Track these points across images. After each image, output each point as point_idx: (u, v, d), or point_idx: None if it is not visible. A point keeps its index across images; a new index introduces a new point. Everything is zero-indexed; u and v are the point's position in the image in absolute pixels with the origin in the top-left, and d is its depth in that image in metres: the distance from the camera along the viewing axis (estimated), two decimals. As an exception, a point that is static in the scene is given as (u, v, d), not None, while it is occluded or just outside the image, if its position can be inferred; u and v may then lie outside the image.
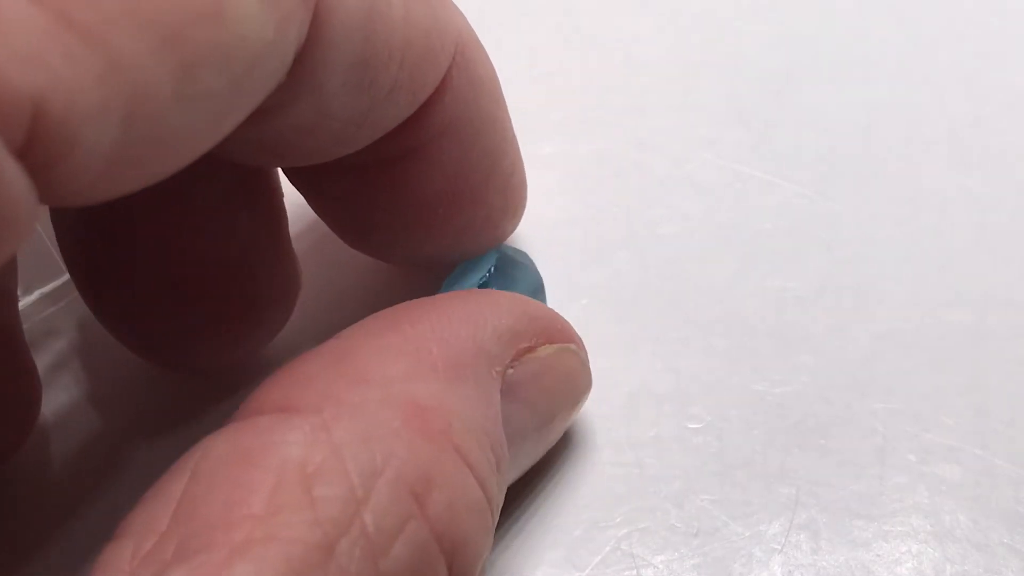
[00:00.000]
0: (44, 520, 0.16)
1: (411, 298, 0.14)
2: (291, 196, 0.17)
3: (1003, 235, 0.20)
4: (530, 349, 0.14)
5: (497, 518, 0.13)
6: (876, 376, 0.18)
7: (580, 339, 0.16)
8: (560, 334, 0.15)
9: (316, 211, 0.17)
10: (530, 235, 0.21)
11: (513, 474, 0.15)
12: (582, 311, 0.19)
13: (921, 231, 0.21)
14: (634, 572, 0.16)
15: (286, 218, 0.17)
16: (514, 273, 0.18)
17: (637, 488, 0.17)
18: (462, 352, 0.13)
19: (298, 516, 0.10)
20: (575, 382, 0.16)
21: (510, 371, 0.14)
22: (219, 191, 0.16)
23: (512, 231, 0.19)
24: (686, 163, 0.22)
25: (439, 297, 0.14)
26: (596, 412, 0.18)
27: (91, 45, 0.08)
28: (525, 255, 0.19)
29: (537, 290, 0.19)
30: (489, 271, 0.18)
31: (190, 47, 0.09)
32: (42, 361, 0.18)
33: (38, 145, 0.08)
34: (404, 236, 0.17)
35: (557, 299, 0.19)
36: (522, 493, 0.17)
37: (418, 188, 0.16)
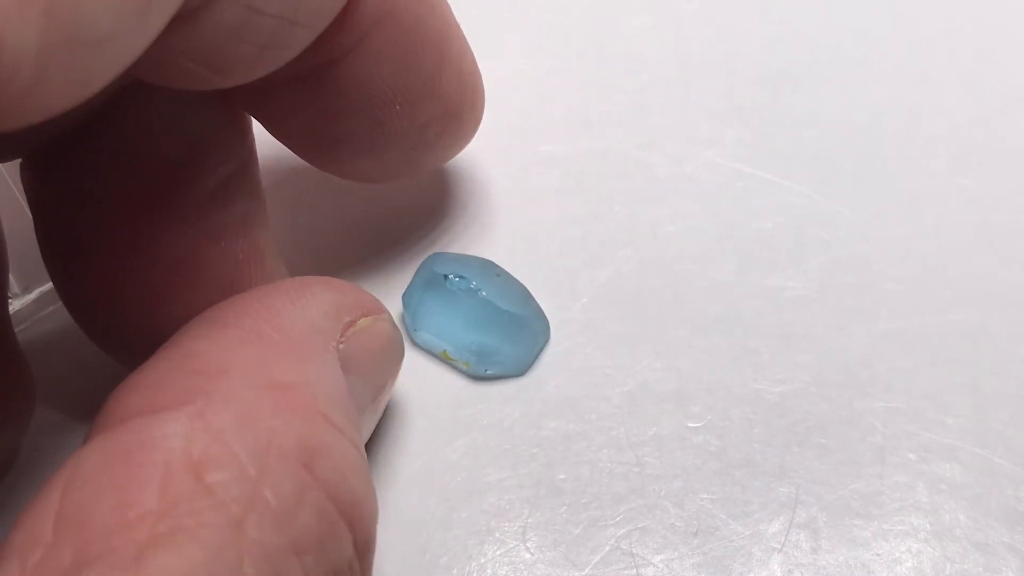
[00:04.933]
0: None
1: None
2: (272, 195, 0.17)
3: (1003, 235, 0.20)
4: (352, 323, 0.14)
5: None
6: (876, 376, 0.18)
7: (387, 310, 0.16)
8: (373, 305, 0.15)
9: (280, 139, 0.17)
10: (530, 235, 0.21)
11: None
12: (582, 311, 0.19)
13: (921, 231, 0.21)
14: (634, 571, 0.16)
15: (268, 224, 0.17)
16: (501, 324, 0.18)
17: (637, 487, 0.17)
18: (300, 332, 0.13)
19: (198, 503, 0.10)
20: (395, 348, 0.16)
21: (342, 346, 0.14)
22: (197, 195, 0.16)
23: (475, 130, 0.18)
24: (686, 162, 0.22)
25: (255, 291, 0.14)
26: (596, 411, 0.18)
27: None
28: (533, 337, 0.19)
29: (491, 354, 0.18)
30: (485, 291, 0.18)
31: None
32: (42, 361, 0.18)
33: None
34: (366, 142, 0.16)
35: (557, 298, 0.19)
36: (522, 492, 0.17)
37: (368, 84, 0.16)
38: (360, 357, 0.14)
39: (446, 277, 0.18)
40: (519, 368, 0.18)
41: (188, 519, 0.10)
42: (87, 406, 0.18)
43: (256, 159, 0.17)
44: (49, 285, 0.19)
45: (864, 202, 0.21)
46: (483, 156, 0.22)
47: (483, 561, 0.16)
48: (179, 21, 0.11)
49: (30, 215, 0.17)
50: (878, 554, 0.16)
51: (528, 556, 0.16)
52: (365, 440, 0.16)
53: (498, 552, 0.16)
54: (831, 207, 0.21)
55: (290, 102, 0.16)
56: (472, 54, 0.18)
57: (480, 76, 0.18)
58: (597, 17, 0.26)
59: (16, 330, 0.18)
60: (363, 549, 0.12)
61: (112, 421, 0.11)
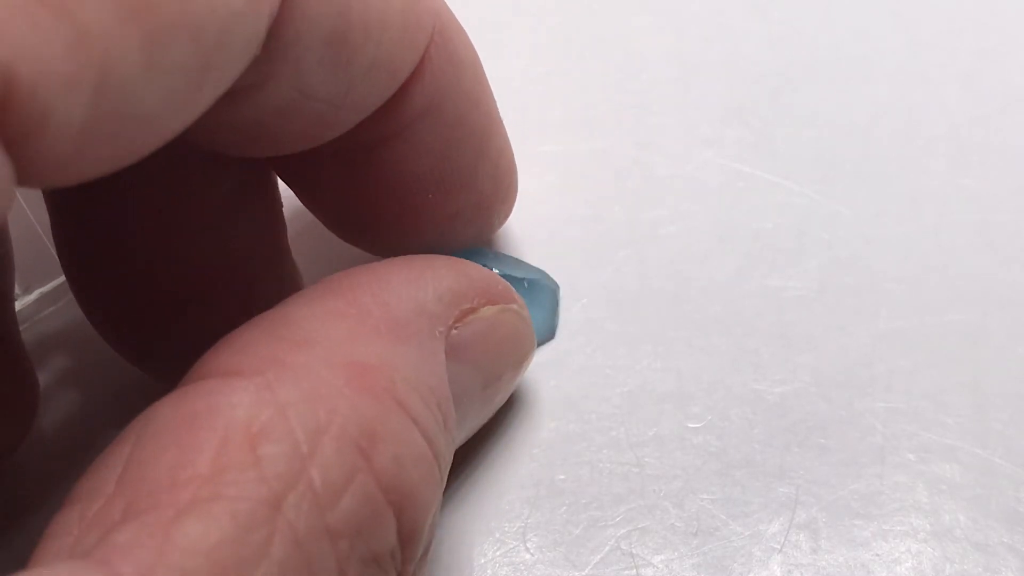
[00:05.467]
0: (44, 519, 0.16)
1: None
2: (289, 200, 0.17)
3: (1003, 235, 0.20)
4: (472, 310, 0.14)
5: (446, 475, 0.13)
6: (876, 376, 0.18)
7: (521, 300, 0.16)
8: (502, 295, 0.15)
9: (308, 206, 0.17)
10: (530, 235, 0.21)
11: (462, 435, 0.15)
12: (582, 311, 0.19)
13: (921, 231, 0.21)
14: (633, 571, 0.16)
15: (285, 228, 0.17)
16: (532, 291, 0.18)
17: (637, 487, 0.17)
18: (404, 313, 0.13)
19: (244, 474, 0.10)
20: (519, 341, 0.16)
21: (454, 331, 0.14)
22: (216, 199, 0.16)
23: (504, 219, 0.19)
24: (686, 162, 0.22)
25: (378, 263, 0.14)
26: (596, 411, 0.18)
27: (58, 15, 0.08)
28: (541, 272, 0.19)
29: (552, 308, 0.19)
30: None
31: (158, 17, 0.09)
32: (42, 361, 0.18)
33: (10, 117, 0.08)
34: (395, 225, 0.17)
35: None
36: (522, 492, 0.17)
37: (405, 172, 0.16)
38: (474, 346, 0.14)
39: None
40: (549, 331, 0.18)
41: (230, 488, 0.10)
42: (89, 405, 0.18)
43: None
44: (50, 286, 0.19)
45: (864, 202, 0.21)
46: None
47: (483, 561, 0.16)
48: (228, 99, 0.11)
49: (30, 215, 0.17)
50: (878, 554, 0.16)
51: (528, 556, 0.16)
52: (472, 430, 0.16)
53: (498, 552, 0.16)
54: (831, 207, 0.21)
55: (324, 177, 0.16)
56: (511, 150, 0.18)
57: (515, 171, 0.18)
58: (597, 17, 0.26)
59: (20, 328, 0.18)
60: (408, 536, 0.12)
61: (194, 377, 0.12)
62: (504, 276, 0.18)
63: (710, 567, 0.16)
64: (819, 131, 0.23)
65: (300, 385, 0.11)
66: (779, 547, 0.16)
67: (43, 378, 0.17)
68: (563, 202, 0.21)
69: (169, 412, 0.11)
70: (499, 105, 0.20)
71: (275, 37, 0.11)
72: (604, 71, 0.25)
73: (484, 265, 0.18)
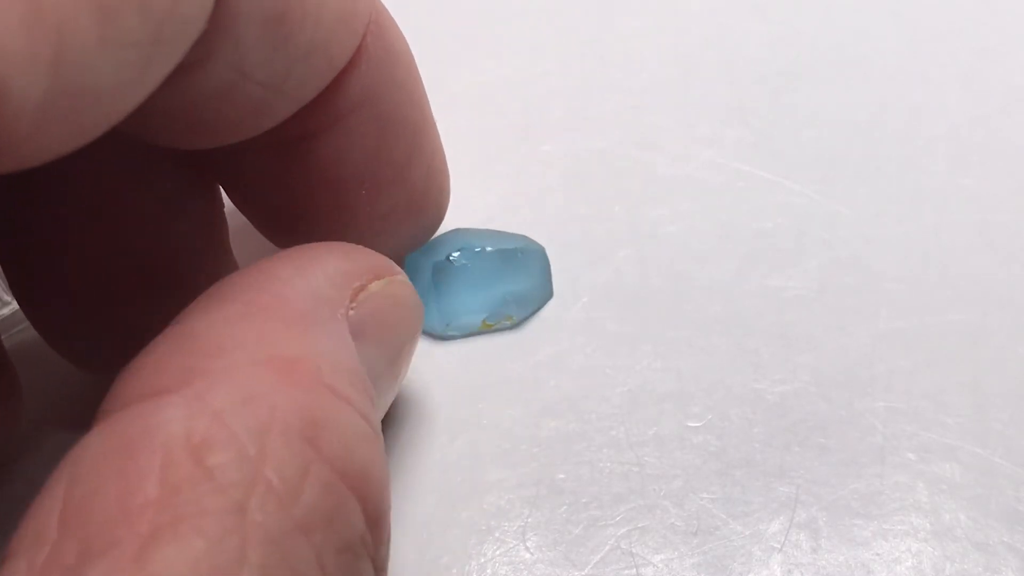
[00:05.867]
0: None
1: None
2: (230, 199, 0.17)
3: (1003, 235, 0.20)
4: (363, 288, 0.14)
5: (383, 448, 0.13)
6: (876, 375, 0.18)
7: (402, 271, 0.16)
8: (385, 268, 0.15)
9: (238, 205, 0.17)
10: (530, 234, 0.21)
11: (378, 415, 0.15)
12: (582, 310, 0.19)
13: (921, 231, 0.21)
14: (633, 571, 0.16)
15: (226, 226, 0.17)
16: (507, 264, 0.18)
17: (637, 487, 0.17)
18: (303, 303, 0.13)
19: (199, 489, 0.10)
20: (411, 310, 0.15)
21: (351, 312, 0.14)
22: (155, 196, 0.16)
23: (437, 225, 0.18)
24: (687, 162, 0.22)
25: (261, 262, 0.14)
26: (596, 411, 0.18)
27: None
28: (544, 269, 0.19)
29: (524, 299, 0.19)
30: (484, 248, 0.18)
31: None
32: (29, 365, 0.18)
33: None
34: (326, 224, 0.16)
35: (557, 298, 0.19)
36: (522, 492, 0.17)
37: (338, 166, 0.16)
38: (372, 322, 0.14)
39: (448, 259, 0.18)
40: (548, 293, 0.19)
41: (189, 507, 0.10)
42: (75, 412, 0.18)
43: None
44: None
45: (864, 202, 0.21)
46: (483, 156, 0.22)
47: (483, 561, 0.16)
48: (171, 77, 0.11)
49: None
50: (878, 554, 0.16)
51: (528, 556, 0.16)
52: (385, 406, 0.15)
53: (498, 552, 0.16)
54: (831, 207, 0.21)
55: (257, 171, 0.16)
56: (443, 153, 0.18)
57: (448, 176, 0.18)
58: (597, 17, 0.26)
59: (4, 336, 0.18)
60: (374, 520, 0.12)
61: (113, 407, 0.11)
62: (497, 249, 0.18)
63: (710, 566, 0.16)
64: (819, 131, 0.23)
65: (231, 389, 0.11)
66: (779, 546, 0.16)
67: (29, 385, 0.16)
68: (563, 201, 0.21)
69: (99, 445, 0.11)
70: (499, 105, 0.20)
71: (217, 12, 0.11)
72: (604, 71, 0.25)
73: (468, 243, 0.18)
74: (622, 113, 0.24)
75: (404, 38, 0.16)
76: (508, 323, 0.19)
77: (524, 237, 0.19)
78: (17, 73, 0.08)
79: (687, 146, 0.23)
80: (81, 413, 0.18)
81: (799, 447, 0.17)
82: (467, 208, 0.21)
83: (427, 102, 0.17)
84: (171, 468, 0.10)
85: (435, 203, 0.18)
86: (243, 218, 0.18)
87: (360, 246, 0.15)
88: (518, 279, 0.18)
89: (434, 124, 0.17)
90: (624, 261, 0.20)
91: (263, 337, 0.12)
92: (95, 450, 0.11)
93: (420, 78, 0.17)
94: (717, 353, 0.19)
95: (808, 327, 0.19)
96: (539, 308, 0.19)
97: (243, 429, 0.11)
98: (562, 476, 0.17)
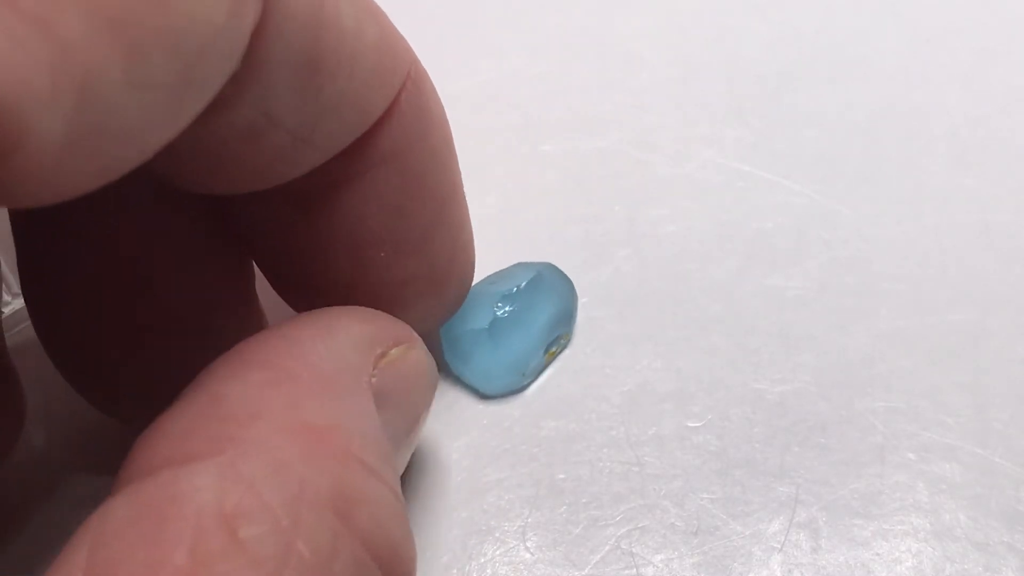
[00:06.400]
0: (32, 531, 0.16)
1: None
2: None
3: (1003, 235, 0.20)
4: (384, 354, 0.14)
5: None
6: (876, 375, 0.18)
7: (419, 336, 0.15)
8: (405, 334, 0.15)
9: (255, 259, 0.17)
10: (530, 235, 0.21)
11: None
12: (582, 310, 0.19)
13: (921, 231, 0.21)
14: (634, 571, 0.16)
15: (253, 275, 0.17)
16: (544, 293, 0.18)
17: (637, 487, 0.17)
18: (330, 370, 0.13)
19: (231, 562, 0.10)
20: (428, 378, 0.15)
21: (374, 379, 0.13)
22: (182, 241, 0.15)
23: (456, 307, 0.18)
24: (687, 162, 0.22)
25: (281, 326, 0.14)
26: (596, 411, 0.18)
27: (39, 29, 0.08)
28: (566, 279, 0.19)
29: (566, 317, 0.19)
30: (518, 286, 0.18)
31: (139, 30, 0.09)
32: (34, 364, 0.18)
33: None
34: (343, 287, 0.16)
35: (557, 298, 0.19)
36: (522, 492, 0.17)
37: (358, 222, 0.15)
38: (394, 390, 0.14)
39: (495, 316, 0.18)
40: (575, 297, 0.19)
41: None
42: (80, 412, 0.18)
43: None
44: None
45: (864, 202, 0.21)
46: (483, 156, 0.22)
47: (483, 561, 0.16)
48: (204, 122, 0.11)
49: None
50: (878, 554, 0.16)
51: (528, 556, 0.16)
52: (399, 475, 0.15)
53: (498, 552, 0.16)
54: (831, 207, 0.21)
55: (275, 222, 0.16)
56: (471, 232, 0.17)
57: (474, 257, 0.18)
58: (597, 17, 0.26)
59: (9, 334, 0.17)
60: None
61: (140, 471, 0.11)
62: (526, 282, 0.18)
63: (710, 566, 0.16)
64: (819, 131, 0.23)
65: (262, 458, 0.11)
66: (779, 546, 0.16)
67: (34, 382, 0.16)
68: (563, 201, 0.21)
69: (125, 510, 0.10)
70: (499, 105, 0.20)
71: (249, 54, 0.11)
72: (604, 71, 0.25)
73: (494, 292, 0.18)
74: (622, 113, 0.24)
75: (442, 106, 0.16)
76: (564, 342, 0.19)
77: (522, 264, 0.19)
78: (41, 112, 0.08)
79: (687, 146, 0.23)
80: (85, 415, 0.18)
81: (799, 447, 0.17)
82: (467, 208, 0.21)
83: (459, 175, 0.16)
84: (203, 537, 0.10)
85: (459, 280, 0.17)
86: None
87: (379, 311, 0.15)
88: (553, 299, 0.18)
89: (464, 202, 0.17)
90: (624, 261, 0.20)
91: (293, 405, 0.12)
92: (121, 514, 0.10)
93: (454, 153, 0.16)
94: (717, 353, 0.19)
95: (808, 327, 0.19)
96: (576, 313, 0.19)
97: (276, 500, 0.10)
98: (562, 476, 0.17)
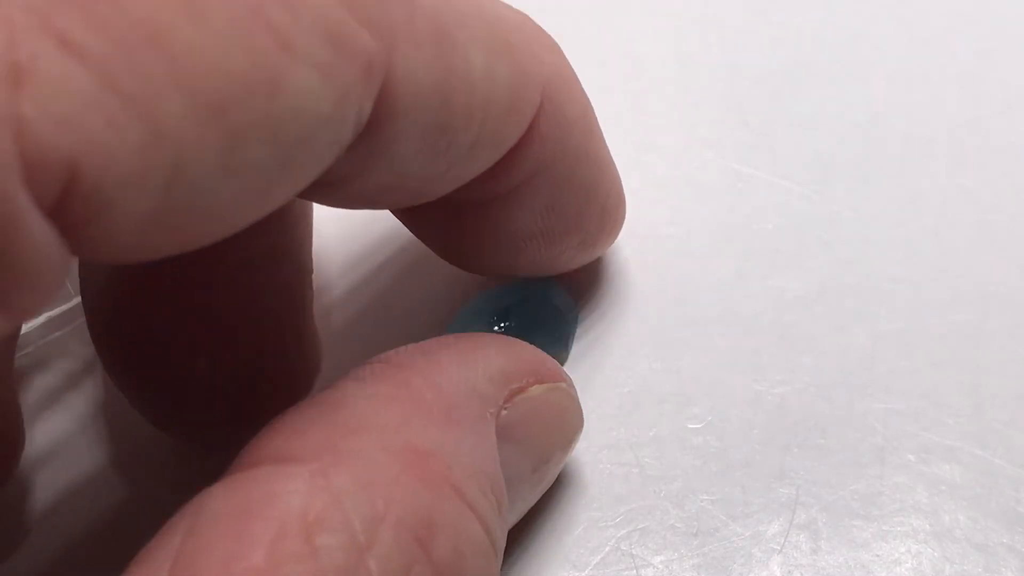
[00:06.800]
0: (30, 553, 0.16)
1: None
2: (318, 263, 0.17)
3: (1003, 235, 0.20)
4: (521, 389, 0.14)
5: (500, 561, 0.13)
6: (876, 376, 0.18)
7: (569, 378, 0.15)
8: (550, 373, 0.15)
9: (410, 228, 0.17)
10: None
11: (512, 518, 0.15)
12: (582, 310, 0.19)
13: (921, 231, 0.21)
14: (633, 572, 0.16)
15: (311, 295, 0.17)
16: (540, 312, 0.18)
17: (637, 488, 0.17)
18: (456, 396, 0.13)
19: (300, 566, 0.10)
20: (568, 420, 0.15)
21: (504, 412, 0.13)
22: (242, 257, 0.15)
23: (607, 247, 0.19)
24: (686, 163, 0.22)
25: (427, 343, 0.14)
26: (596, 412, 0.18)
27: (135, 112, 0.08)
28: (566, 299, 0.19)
29: (561, 338, 0.19)
30: (515, 303, 0.18)
31: (239, 119, 0.09)
32: (41, 386, 0.18)
33: (71, 206, 0.08)
34: (498, 260, 0.17)
35: (557, 299, 0.19)
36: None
37: (512, 224, 0.15)
38: (523, 426, 0.14)
39: (492, 329, 0.18)
40: (575, 315, 0.19)
41: None
42: (88, 427, 0.18)
43: (305, 222, 0.17)
44: (58, 310, 0.19)
45: (864, 202, 0.21)
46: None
47: (483, 562, 0.16)
48: (319, 187, 0.11)
49: None
50: (878, 555, 0.16)
51: (528, 557, 0.16)
52: (521, 512, 0.15)
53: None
54: (831, 207, 0.21)
55: (423, 217, 0.16)
56: (619, 184, 0.18)
57: (624, 203, 0.18)
58: (597, 17, 0.26)
59: (21, 354, 0.17)
60: None
61: (246, 463, 0.11)
62: (529, 294, 0.18)
63: (710, 567, 0.16)
64: (819, 131, 0.23)
65: (355, 472, 0.11)
66: (779, 548, 0.16)
67: (40, 405, 0.16)
68: (563, 202, 0.21)
69: (221, 501, 0.11)
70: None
71: (371, 133, 0.11)
72: (604, 71, 0.25)
73: (510, 304, 0.18)
74: (622, 113, 0.23)
75: (581, 98, 0.16)
76: (561, 360, 0.19)
77: (524, 280, 0.19)
78: (126, 191, 0.08)
79: (687, 146, 0.23)
80: (93, 430, 0.18)
81: (799, 448, 0.17)
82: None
83: (605, 152, 0.17)
84: (282, 540, 0.10)
85: (608, 234, 0.18)
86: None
87: (530, 345, 0.15)
88: (551, 320, 0.18)
89: (610, 165, 0.17)
90: (624, 261, 0.20)
91: (404, 424, 0.12)
92: (217, 504, 0.11)
93: (597, 129, 0.16)
94: (717, 353, 0.19)
95: (808, 327, 0.19)
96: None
97: (357, 515, 0.10)
98: (562, 476, 0.17)
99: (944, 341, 0.19)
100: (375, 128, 0.11)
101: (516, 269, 0.17)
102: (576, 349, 0.19)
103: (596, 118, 0.16)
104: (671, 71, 0.25)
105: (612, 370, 0.18)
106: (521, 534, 0.16)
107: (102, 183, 0.08)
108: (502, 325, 0.18)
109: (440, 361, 0.13)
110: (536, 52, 0.14)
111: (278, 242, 0.16)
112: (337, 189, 0.12)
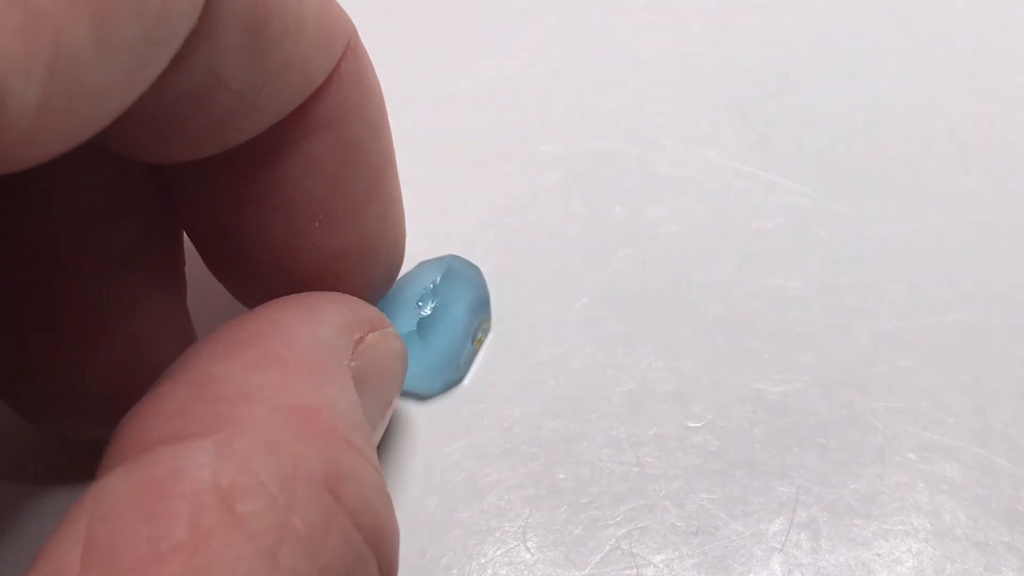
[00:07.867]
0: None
1: None
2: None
3: (1003, 234, 0.20)
4: (361, 339, 0.14)
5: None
6: (876, 375, 0.18)
7: (390, 322, 0.16)
8: (379, 320, 0.15)
9: (191, 236, 0.17)
10: (530, 235, 0.21)
11: None
12: (582, 310, 0.19)
13: (921, 231, 0.21)
14: (634, 571, 0.16)
15: (185, 287, 0.17)
16: (459, 284, 0.18)
17: (637, 487, 0.17)
18: (315, 354, 0.13)
19: (231, 535, 0.10)
20: (401, 363, 0.16)
21: (353, 363, 0.14)
22: (116, 244, 0.15)
23: (389, 284, 0.18)
24: (687, 162, 0.22)
25: (264, 307, 0.14)
26: (596, 411, 0.18)
27: None
28: (473, 267, 0.19)
29: (483, 303, 0.19)
30: (433, 283, 0.18)
31: None
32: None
33: None
34: (276, 255, 0.16)
35: (558, 298, 0.19)
36: (522, 492, 0.17)
37: (294, 189, 0.15)
38: (371, 374, 0.14)
39: (420, 316, 0.18)
40: (484, 282, 0.19)
41: (223, 552, 0.10)
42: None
43: (172, 221, 0.16)
44: None
45: (864, 202, 0.21)
46: (483, 156, 0.22)
47: (483, 561, 0.16)
48: (154, 100, 0.11)
49: None
50: (878, 554, 0.16)
51: (528, 556, 0.16)
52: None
53: (498, 552, 0.16)
54: (831, 207, 0.21)
55: (213, 191, 0.16)
56: (403, 209, 0.17)
57: (404, 235, 0.18)
58: (597, 17, 0.26)
59: None
60: (387, 573, 0.12)
61: (134, 449, 0.11)
62: (440, 276, 0.18)
63: (710, 567, 0.16)
64: (819, 131, 0.23)
65: (256, 437, 0.11)
66: (780, 546, 0.16)
67: None
68: (563, 201, 0.21)
69: (124, 486, 0.11)
70: (499, 105, 0.20)
71: (202, 15, 0.11)
72: (604, 71, 0.25)
73: (412, 291, 0.18)
74: (622, 113, 0.24)
75: (376, 75, 0.16)
76: (487, 327, 0.19)
77: (425, 262, 0.19)
78: (16, 76, 0.09)
79: (687, 146, 0.23)
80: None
81: (799, 447, 0.17)
82: (468, 208, 0.21)
83: (392, 149, 0.17)
84: (202, 513, 0.10)
85: (389, 253, 0.17)
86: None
87: (354, 298, 0.15)
88: (469, 288, 0.18)
89: (396, 174, 0.17)
90: (624, 261, 0.20)
91: (282, 386, 0.12)
92: (120, 489, 0.11)
93: (388, 123, 0.16)
94: (717, 353, 0.19)
95: (808, 327, 0.19)
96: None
97: (271, 477, 0.11)
98: (562, 476, 0.17)
99: (944, 340, 0.19)
100: (207, 5, 0.11)
101: (291, 277, 0.16)
102: (576, 349, 0.19)
103: (387, 117, 0.16)
104: (672, 70, 0.25)
105: (612, 369, 0.18)
106: (521, 533, 0.16)
107: None
108: (429, 307, 0.18)
109: (289, 323, 0.13)
110: (340, 8, 0.15)
111: (146, 231, 0.16)
112: (163, 83, 0.12)
